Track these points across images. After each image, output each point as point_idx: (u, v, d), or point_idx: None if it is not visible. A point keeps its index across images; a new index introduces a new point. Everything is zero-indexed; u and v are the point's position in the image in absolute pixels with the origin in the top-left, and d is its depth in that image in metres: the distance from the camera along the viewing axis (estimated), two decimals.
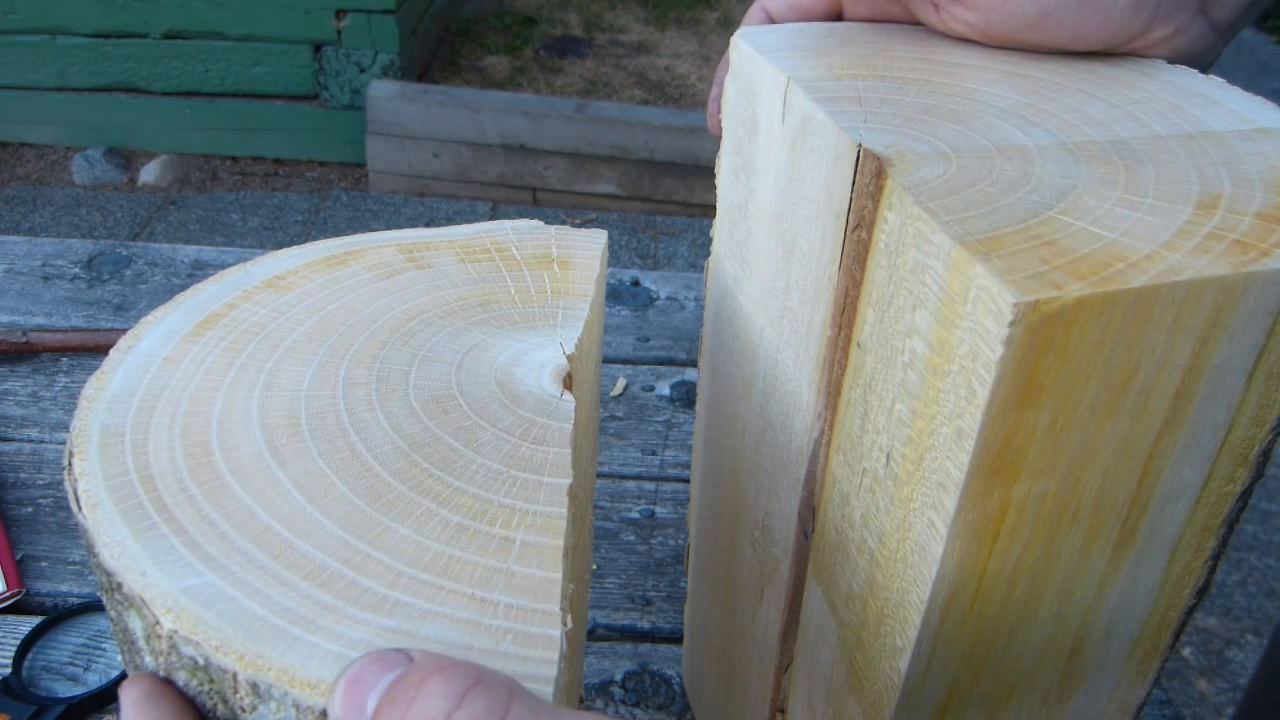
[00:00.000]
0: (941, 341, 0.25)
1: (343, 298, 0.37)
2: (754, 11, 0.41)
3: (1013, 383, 0.24)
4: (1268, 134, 0.31)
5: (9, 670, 0.59)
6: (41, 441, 0.77)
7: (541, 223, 0.43)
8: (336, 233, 2.27)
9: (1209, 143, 0.30)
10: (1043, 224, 0.25)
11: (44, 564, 0.67)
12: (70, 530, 0.70)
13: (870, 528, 0.31)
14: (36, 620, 0.62)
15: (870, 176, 0.28)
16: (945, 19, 0.36)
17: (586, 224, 2.63)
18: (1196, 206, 0.27)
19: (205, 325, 0.35)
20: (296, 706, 0.24)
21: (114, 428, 0.31)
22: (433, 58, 3.25)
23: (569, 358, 0.36)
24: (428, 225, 2.62)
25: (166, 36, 2.77)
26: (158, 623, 0.25)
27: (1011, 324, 0.23)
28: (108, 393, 0.32)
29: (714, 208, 0.44)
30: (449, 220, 2.70)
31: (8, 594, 0.64)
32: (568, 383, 0.35)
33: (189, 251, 1.00)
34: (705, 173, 2.75)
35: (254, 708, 0.24)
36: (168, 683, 0.26)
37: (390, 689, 0.20)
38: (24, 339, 0.83)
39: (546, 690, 0.24)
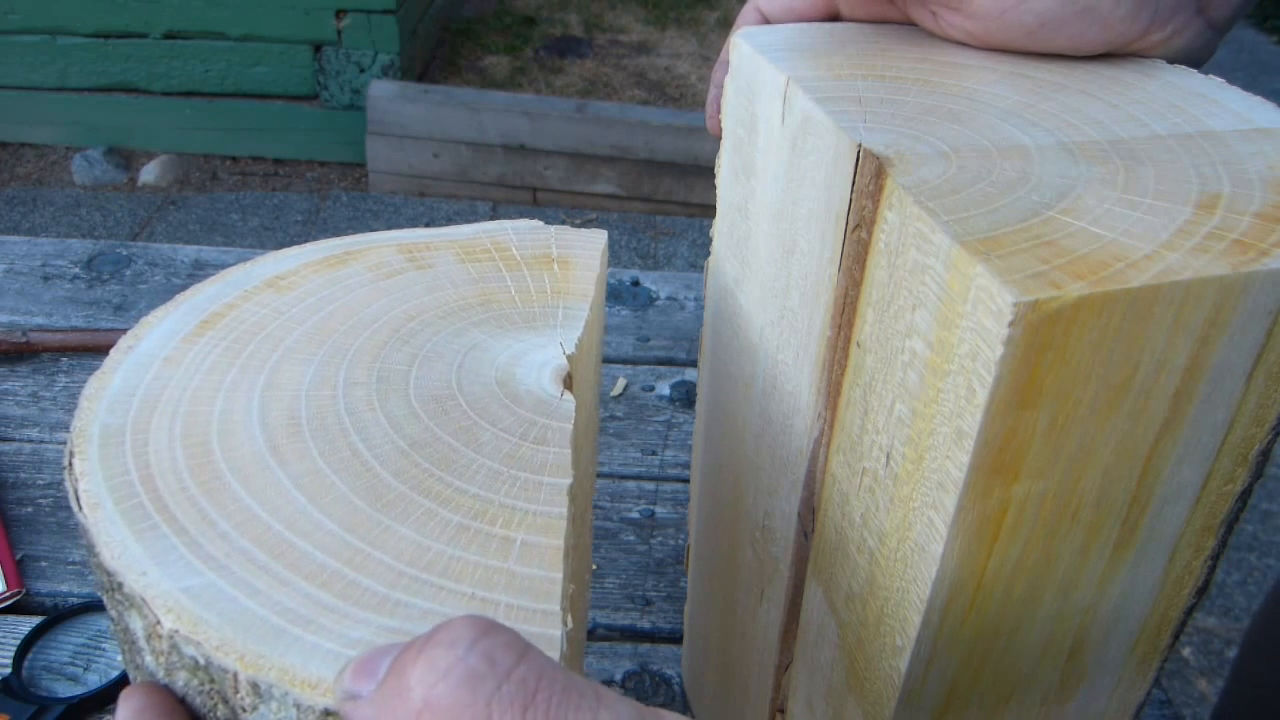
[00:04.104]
0: (941, 341, 0.25)
1: (343, 298, 0.37)
2: (748, 12, 0.41)
3: (1012, 382, 0.24)
4: (1267, 134, 0.31)
5: (9, 670, 0.59)
6: (41, 441, 0.77)
7: (541, 223, 0.43)
8: (336, 233, 2.27)
9: (1208, 143, 0.30)
10: (1042, 224, 0.25)
11: (44, 564, 0.67)
12: (70, 530, 0.70)
13: (870, 527, 0.31)
14: (36, 620, 0.62)
15: (870, 176, 0.28)
16: (943, 25, 0.36)
17: (586, 224, 2.63)
18: (1196, 206, 0.27)
19: (206, 325, 0.35)
20: (297, 706, 0.24)
21: (114, 427, 0.31)
22: (433, 58, 3.25)
23: (569, 358, 0.36)
24: (428, 225, 2.62)
25: (166, 36, 2.77)
26: (158, 622, 0.25)
27: (1011, 324, 0.23)
28: (108, 393, 0.32)
29: (714, 208, 0.44)
30: (449, 220, 2.70)
31: (8, 594, 0.64)
32: (568, 383, 0.35)
33: (189, 251, 1.00)
34: (705, 173, 2.75)
35: (254, 707, 0.24)
36: (166, 691, 0.26)
37: (404, 648, 0.21)
38: (24, 339, 0.83)
39: None
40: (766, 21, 0.40)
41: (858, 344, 0.31)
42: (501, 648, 0.20)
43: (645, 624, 0.66)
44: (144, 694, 0.26)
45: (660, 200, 2.82)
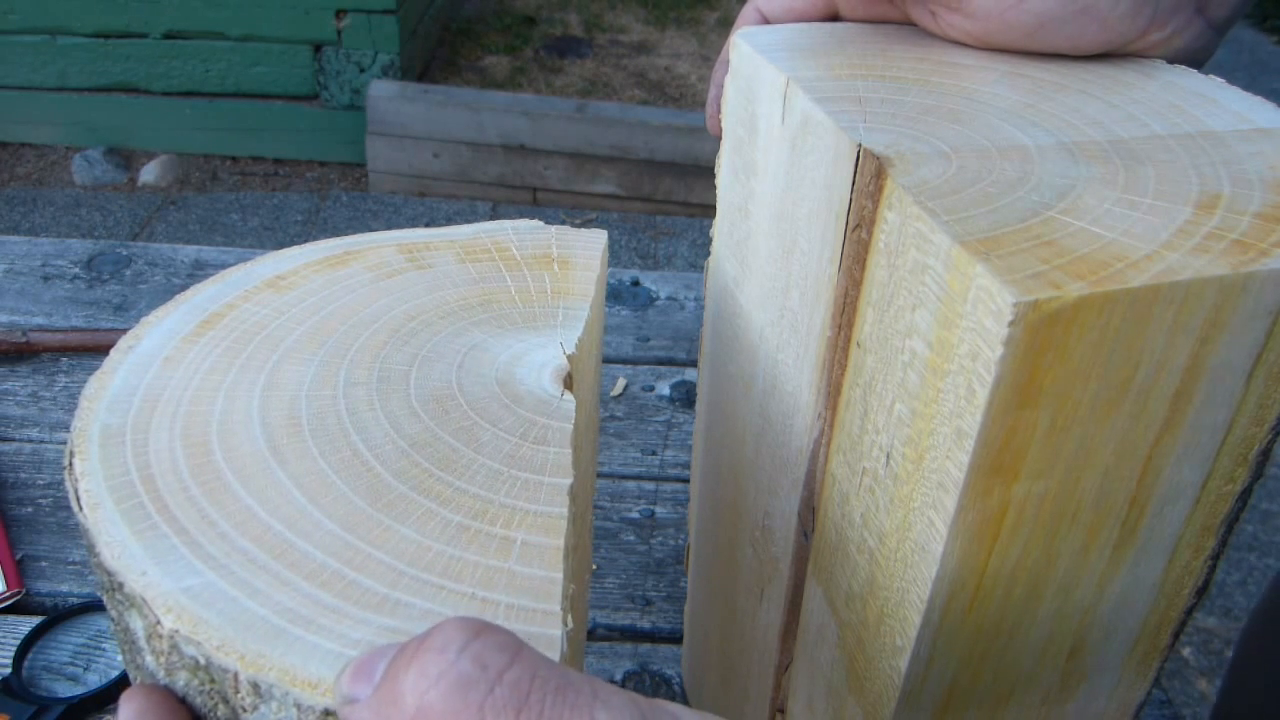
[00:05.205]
0: (941, 341, 0.25)
1: (343, 298, 0.37)
2: (748, 12, 0.41)
3: (1012, 382, 0.24)
4: (1267, 134, 0.31)
5: (9, 670, 0.59)
6: (41, 441, 0.77)
7: (542, 223, 0.43)
8: (336, 233, 2.27)
9: (1208, 143, 0.30)
10: (1042, 224, 0.25)
11: (44, 564, 0.67)
12: (70, 530, 0.70)
13: (870, 527, 0.31)
14: (36, 620, 0.62)
15: (870, 176, 0.28)
16: (942, 25, 0.36)
17: (586, 224, 2.63)
18: (1196, 206, 0.27)
19: (206, 325, 0.35)
20: (298, 706, 0.24)
21: (115, 427, 0.31)
22: (433, 58, 3.25)
23: (569, 358, 0.36)
24: (428, 225, 2.61)
25: (166, 36, 2.77)
26: (159, 622, 0.25)
27: (1011, 324, 0.23)
28: (108, 392, 0.32)
29: (714, 208, 0.44)
30: (449, 220, 2.70)
31: (8, 594, 0.64)
32: (568, 383, 0.35)
33: (189, 251, 1.00)
34: (705, 173, 2.75)
35: (255, 707, 0.24)
36: (167, 693, 0.26)
37: (399, 652, 0.21)
38: (24, 339, 0.83)
39: None
40: (766, 22, 0.40)
41: (858, 344, 0.31)
42: (494, 650, 0.20)
43: (645, 624, 0.66)
44: (145, 695, 0.26)
45: (660, 200, 2.82)
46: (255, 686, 0.24)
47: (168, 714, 0.26)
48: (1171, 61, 0.36)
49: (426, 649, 0.20)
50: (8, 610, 0.64)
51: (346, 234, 0.42)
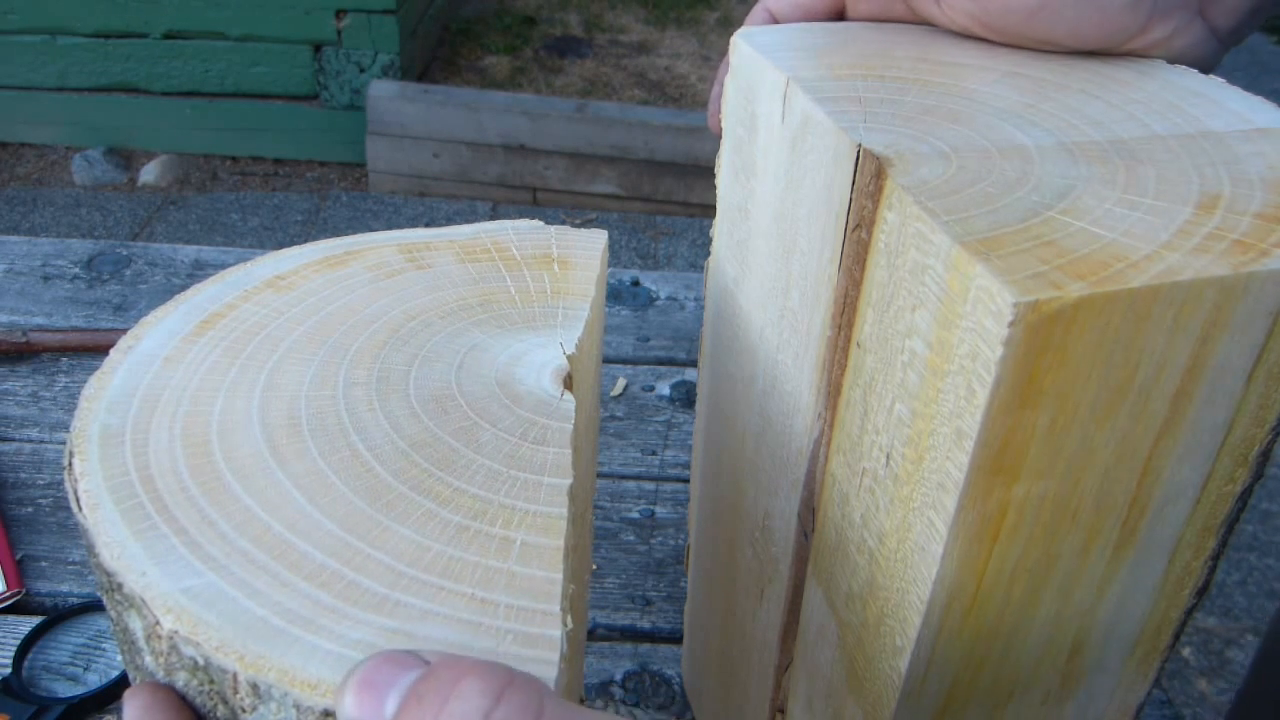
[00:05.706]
0: (941, 341, 0.25)
1: (343, 298, 0.37)
2: (757, 11, 0.41)
3: (1012, 383, 0.24)
4: (1267, 134, 0.31)
5: (9, 670, 0.59)
6: (41, 441, 0.77)
7: (541, 223, 0.43)
8: (336, 233, 2.27)
9: (1209, 143, 0.30)
10: (1042, 224, 0.25)
11: (44, 564, 0.67)
12: (70, 530, 0.70)
13: (870, 528, 0.31)
14: (36, 620, 0.62)
15: (870, 176, 0.28)
16: (945, 10, 0.37)
17: (586, 224, 2.63)
18: (1196, 206, 0.27)
19: (206, 325, 0.35)
20: (297, 707, 0.24)
21: (114, 428, 0.31)
22: (433, 58, 3.25)
23: (569, 358, 0.36)
24: (428, 225, 2.61)
25: (166, 36, 2.77)
26: (158, 623, 0.25)
27: (1011, 324, 0.23)
28: (108, 393, 0.32)
29: (714, 208, 0.44)
30: (449, 220, 2.70)
31: (8, 594, 0.64)
32: (568, 383, 0.35)
33: (189, 251, 1.00)
34: (705, 173, 2.75)
35: (254, 708, 0.24)
36: (170, 690, 0.26)
37: (416, 687, 0.20)
38: (24, 339, 0.83)
39: None
40: (775, 21, 0.40)
41: (858, 344, 0.31)
42: (517, 713, 0.19)
43: (645, 624, 0.66)
44: (149, 692, 0.26)
45: (660, 200, 2.82)
46: (254, 687, 0.24)
47: (172, 712, 0.26)
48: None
49: (449, 714, 0.19)
50: (8, 610, 0.64)
51: (346, 234, 0.42)
